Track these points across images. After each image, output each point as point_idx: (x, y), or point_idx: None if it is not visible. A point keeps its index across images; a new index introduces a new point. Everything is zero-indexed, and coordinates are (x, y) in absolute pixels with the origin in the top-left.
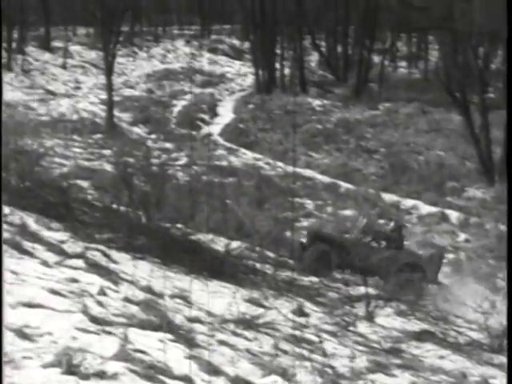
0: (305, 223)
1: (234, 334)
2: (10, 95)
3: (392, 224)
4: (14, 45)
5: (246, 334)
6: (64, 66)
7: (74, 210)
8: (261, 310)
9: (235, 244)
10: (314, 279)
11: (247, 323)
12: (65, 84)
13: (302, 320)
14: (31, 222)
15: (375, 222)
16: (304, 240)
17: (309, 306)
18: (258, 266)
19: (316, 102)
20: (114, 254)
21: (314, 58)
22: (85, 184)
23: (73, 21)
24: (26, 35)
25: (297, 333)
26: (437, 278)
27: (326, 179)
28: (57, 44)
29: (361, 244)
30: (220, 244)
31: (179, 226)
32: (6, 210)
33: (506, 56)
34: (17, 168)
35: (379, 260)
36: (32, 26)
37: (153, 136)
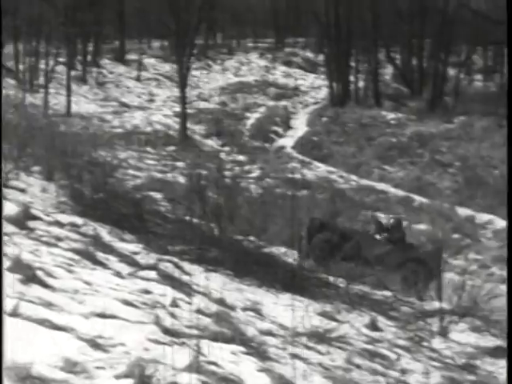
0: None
1: (307, 347)
2: (84, 107)
3: (392, 220)
4: (88, 57)
5: (319, 347)
6: (138, 79)
7: (147, 221)
8: (333, 324)
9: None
10: (387, 293)
11: (320, 337)
12: (139, 96)
13: (375, 334)
14: (105, 233)
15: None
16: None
17: (382, 321)
18: (330, 279)
19: (390, 116)
20: (187, 265)
21: (388, 71)
22: (158, 196)
23: (147, 33)
24: (100, 48)
25: (370, 347)
26: (440, 273)
27: (399, 193)
28: (131, 57)
29: (366, 234)
30: (293, 257)
31: (252, 238)
32: (80, 221)
33: (507, 56)
34: (91, 179)
35: (384, 252)
36: (107, 39)
37: (226, 148)
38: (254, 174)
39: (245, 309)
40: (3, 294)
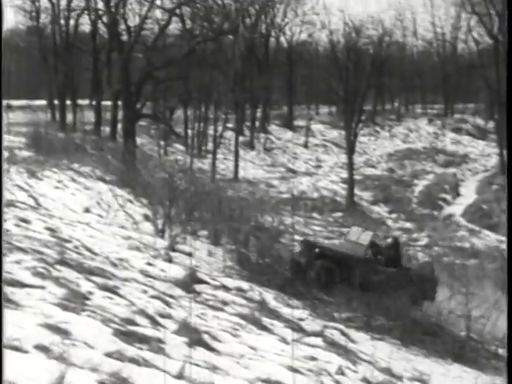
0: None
1: None
2: (251, 173)
3: (389, 240)
4: (256, 123)
5: None
6: (306, 145)
7: (312, 287)
8: None
9: (477, 327)
10: None
11: None
12: (306, 162)
13: None
14: (270, 298)
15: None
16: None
17: None
18: (500, 351)
19: None
20: (353, 333)
21: None
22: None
23: (315, 99)
24: (268, 114)
25: None
26: (435, 295)
27: None
28: (299, 123)
29: (364, 260)
30: (461, 327)
31: (419, 307)
32: (246, 285)
33: (507, 56)
34: (257, 244)
35: (381, 278)
36: (275, 105)
37: (393, 215)
38: (421, 242)
39: (412, 379)
40: (3, 297)
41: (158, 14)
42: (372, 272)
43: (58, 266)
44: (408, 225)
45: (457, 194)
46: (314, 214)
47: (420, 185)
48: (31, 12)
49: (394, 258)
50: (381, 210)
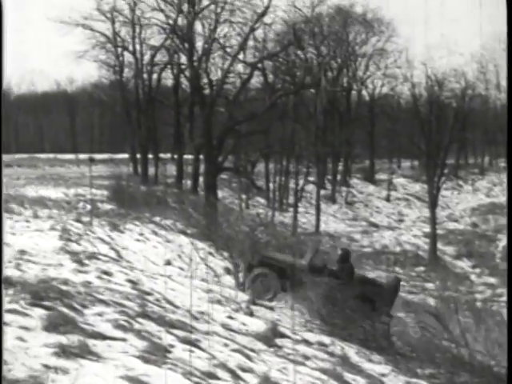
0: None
1: None
2: (333, 226)
3: (340, 252)
4: (338, 177)
5: None
6: (388, 199)
7: (395, 342)
8: None
9: None
10: None
11: None
12: (388, 216)
13: None
14: (352, 353)
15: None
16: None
17: None
18: None
19: None
20: None
21: None
22: (408, 319)
23: (397, 153)
24: (350, 167)
25: None
26: (390, 310)
27: None
28: (381, 176)
29: (307, 270)
30: None
31: (504, 364)
32: (327, 340)
33: (507, 58)
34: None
35: (329, 289)
36: (357, 158)
37: (477, 270)
38: (506, 298)
39: None
40: (3, 297)
41: (240, 67)
42: (313, 281)
43: (140, 319)
44: (492, 280)
45: None
46: (397, 269)
47: (504, 240)
48: (115, 66)
49: (344, 269)
50: (464, 265)
